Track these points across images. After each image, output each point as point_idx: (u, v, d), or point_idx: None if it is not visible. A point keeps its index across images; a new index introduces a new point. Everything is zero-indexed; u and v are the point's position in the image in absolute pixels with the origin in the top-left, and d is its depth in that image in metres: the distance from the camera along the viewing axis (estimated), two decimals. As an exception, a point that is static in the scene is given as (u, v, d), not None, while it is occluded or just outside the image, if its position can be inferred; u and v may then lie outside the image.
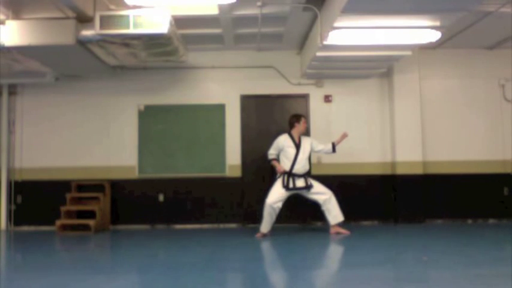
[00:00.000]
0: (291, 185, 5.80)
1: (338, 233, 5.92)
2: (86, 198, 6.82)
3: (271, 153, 6.05)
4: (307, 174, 5.94)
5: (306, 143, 6.02)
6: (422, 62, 7.06)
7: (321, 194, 5.85)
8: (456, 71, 7.20)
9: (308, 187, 5.83)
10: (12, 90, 7.15)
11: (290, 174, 5.84)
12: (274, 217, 5.82)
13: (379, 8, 4.51)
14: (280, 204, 5.79)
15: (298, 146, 5.95)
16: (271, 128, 7.04)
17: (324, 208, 5.86)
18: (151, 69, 7.08)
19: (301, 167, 5.88)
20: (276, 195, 5.79)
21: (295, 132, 6.06)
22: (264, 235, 5.86)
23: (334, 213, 5.84)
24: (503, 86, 7.17)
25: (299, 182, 5.84)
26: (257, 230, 5.93)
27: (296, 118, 6.12)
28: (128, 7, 4.91)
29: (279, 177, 5.90)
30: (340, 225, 5.97)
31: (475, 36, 6.45)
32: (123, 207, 6.99)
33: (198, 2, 5.27)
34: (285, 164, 5.90)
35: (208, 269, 4.13)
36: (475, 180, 7.01)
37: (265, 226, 5.84)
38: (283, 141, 5.99)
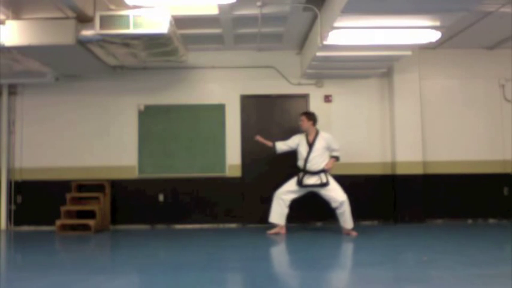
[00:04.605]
0: (304, 183, 5.92)
1: (348, 234, 5.92)
2: (86, 198, 6.82)
3: (280, 146, 6.20)
4: (323, 172, 5.92)
5: (321, 141, 6.02)
6: (422, 62, 7.06)
7: (337, 195, 5.84)
8: (456, 71, 7.20)
9: (323, 185, 5.86)
10: (12, 90, 7.15)
11: (304, 172, 5.94)
12: (284, 209, 5.97)
13: (379, 8, 4.51)
14: (288, 197, 5.99)
15: (311, 145, 6.00)
16: (271, 128, 7.06)
17: (338, 211, 5.87)
18: (151, 69, 7.08)
19: (312, 165, 5.92)
20: (286, 187, 6.02)
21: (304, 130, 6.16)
22: (277, 233, 5.95)
23: (345, 218, 5.85)
24: (503, 86, 7.17)
25: (312, 179, 5.90)
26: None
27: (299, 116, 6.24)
28: (128, 7, 4.91)
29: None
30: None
31: (475, 36, 6.45)
32: (123, 207, 6.98)
33: (198, 2, 5.27)
34: (299, 162, 6.04)
35: (208, 269, 4.13)
36: (475, 180, 7.01)
37: (273, 216, 5.99)
38: (298, 140, 6.12)
